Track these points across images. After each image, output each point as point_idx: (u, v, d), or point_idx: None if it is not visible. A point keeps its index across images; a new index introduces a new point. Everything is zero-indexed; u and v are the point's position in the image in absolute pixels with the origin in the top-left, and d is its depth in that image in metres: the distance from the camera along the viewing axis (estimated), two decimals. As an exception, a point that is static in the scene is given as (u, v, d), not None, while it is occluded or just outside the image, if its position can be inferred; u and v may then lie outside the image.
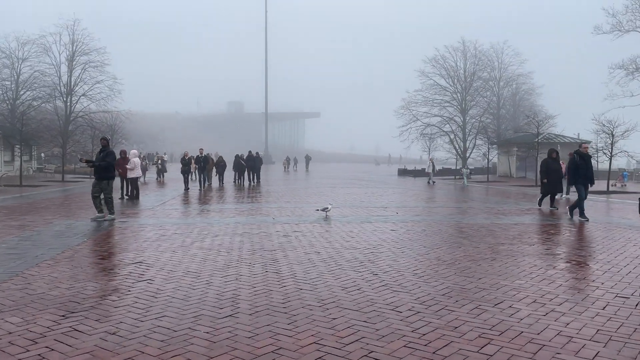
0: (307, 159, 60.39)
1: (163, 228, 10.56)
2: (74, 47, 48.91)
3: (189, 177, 20.31)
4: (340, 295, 5.42)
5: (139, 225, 11.00)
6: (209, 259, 7.33)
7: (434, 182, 31.39)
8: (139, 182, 18.14)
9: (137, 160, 17.77)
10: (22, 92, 49.49)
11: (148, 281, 6.00)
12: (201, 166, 21.29)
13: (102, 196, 11.87)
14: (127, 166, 17.30)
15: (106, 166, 11.96)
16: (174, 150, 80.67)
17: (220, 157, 25.47)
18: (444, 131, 50.09)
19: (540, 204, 15.46)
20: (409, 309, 4.97)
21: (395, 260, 7.35)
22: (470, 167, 48.54)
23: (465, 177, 31.42)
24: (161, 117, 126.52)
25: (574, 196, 16.84)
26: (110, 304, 5.08)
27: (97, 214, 11.77)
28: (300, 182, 30.32)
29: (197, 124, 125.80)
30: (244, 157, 25.90)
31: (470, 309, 4.98)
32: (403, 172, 46.23)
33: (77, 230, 10.09)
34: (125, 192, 17.51)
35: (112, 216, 11.93)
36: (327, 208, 12.75)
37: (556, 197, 19.43)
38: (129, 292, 5.50)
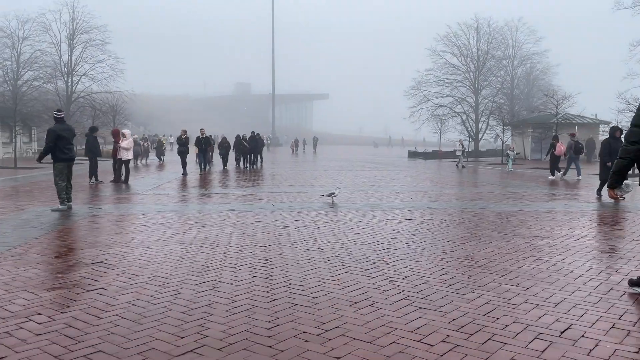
0: (315, 140, 58.91)
1: (145, 216, 9.22)
2: (74, 25, 47.50)
3: (186, 158, 18.89)
4: (348, 316, 4.03)
5: (119, 214, 9.67)
6: (186, 258, 5.97)
7: (463, 166, 27.59)
8: (130, 165, 16.80)
9: (131, 140, 16.38)
10: (23, 72, 48.15)
11: (98, 292, 4.65)
12: (202, 148, 19.91)
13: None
14: (122, 144, 15.91)
15: (46, 150, 10.04)
16: (177, 132, 79.30)
17: (224, 138, 24.00)
18: (455, 112, 48.35)
19: (599, 193, 12.65)
20: (444, 340, 3.57)
21: (416, 260, 5.95)
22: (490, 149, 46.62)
23: (510, 161, 25.37)
24: (168, 99, 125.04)
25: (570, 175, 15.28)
26: (29, 332, 3.72)
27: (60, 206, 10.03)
28: (307, 164, 28.90)
29: (204, 105, 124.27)
30: (247, 138, 24.36)
31: (528, 340, 3.58)
32: (413, 155, 44.60)
33: (45, 220, 8.77)
34: (116, 176, 16.13)
35: (61, 207, 9.90)
36: (334, 193, 11.35)
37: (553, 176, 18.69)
38: (65, 311, 4.14)
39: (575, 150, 19.04)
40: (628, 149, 3.95)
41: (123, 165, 15.98)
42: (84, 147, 17.51)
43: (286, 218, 9.07)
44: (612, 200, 10.08)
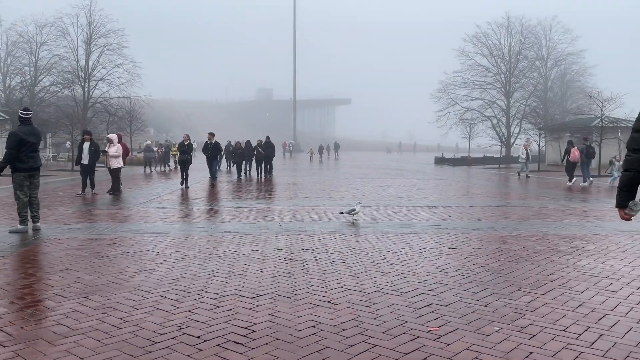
0: (336, 147, 57.04)
1: (115, 242, 7.28)
2: (92, 29, 46.49)
3: (189, 168, 16.33)
4: None
5: (86, 238, 7.73)
6: (128, 323, 3.96)
7: (527, 175, 23.62)
8: (122, 174, 14.97)
9: (119, 147, 14.51)
10: (41, 78, 47.39)
11: None
12: (209, 156, 18.19)
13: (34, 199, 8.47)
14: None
15: (8, 159, 8.18)
16: (202, 138, 78.38)
17: (238, 143, 22.14)
18: (485, 116, 45.72)
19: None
20: None
21: (480, 331, 3.82)
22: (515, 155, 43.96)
23: (615, 171, 19.33)
24: (190, 105, 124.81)
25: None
26: None
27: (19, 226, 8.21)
28: (327, 172, 26.84)
29: (226, 111, 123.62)
30: (262, 144, 21.71)
31: None
32: (440, 161, 42.19)
33: (-14, 247, 6.89)
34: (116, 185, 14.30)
35: (20, 227, 8.15)
36: (354, 210, 9.28)
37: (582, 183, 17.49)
38: None
39: (587, 154, 18.13)
40: (632, 159, 3.20)
41: (111, 175, 14.15)
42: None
43: (293, 245, 7.03)
44: None
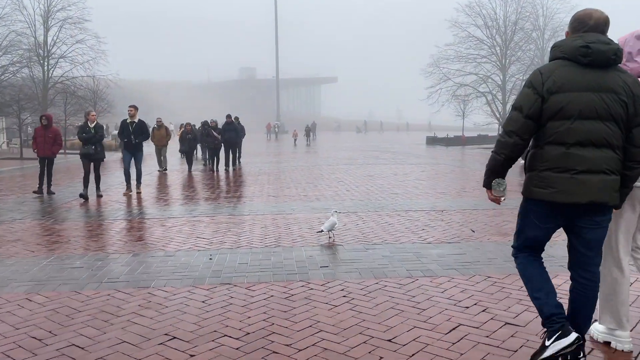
0: (312, 127, 45.05)
1: None
2: (49, 1, 42.37)
3: (98, 167, 10.62)
4: None
5: None
6: None
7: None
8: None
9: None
10: (-1, 57, 43.16)
11: None
12: (133, 142, 11.08)
13: None
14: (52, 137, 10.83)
15: None
16: (178, 119, 74.27)
17: (188, 125, 17.37)
18: (479, 92, 42.61)
19: None
20: None
21: None
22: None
23: None
24: (168, 85, 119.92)
25: None
26: None
27: None
28: (307, 157, 23.62)
29: (207, 91, 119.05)
30: (217, 126, 16.51)
31: None
32: (432, 141, 39.09)
33: None
34: (40, 184, 10.91)
35: None
36: (334, 223, 6.19)
37: None
38: None
39: None
40: (505, 143, 2.75)
41: (47, 166, 10.84)
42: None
43: (214, 308, 3.89)
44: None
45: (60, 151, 12.56)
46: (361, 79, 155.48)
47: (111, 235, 6.86)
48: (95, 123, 10.38)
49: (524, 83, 3.04)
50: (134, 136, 10.85)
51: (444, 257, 5.47)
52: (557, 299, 2.87)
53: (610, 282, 3.09)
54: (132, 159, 11.10)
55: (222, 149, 15.97)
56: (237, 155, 17.31)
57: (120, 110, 44.77)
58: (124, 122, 11.07)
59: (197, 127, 18.48)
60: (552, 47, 2.79)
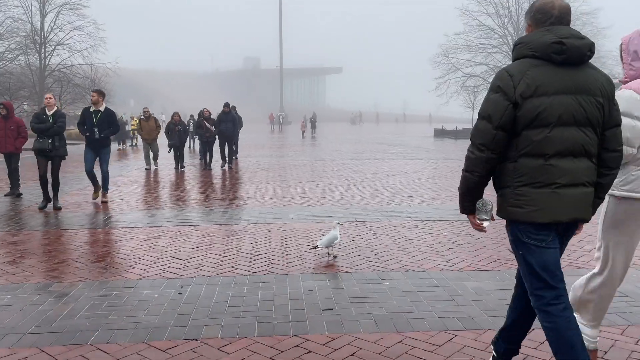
0: (313, 119, 40.61)
1: None
2: (46, -14, 41.08)
3: (57, 167, 8.85)
4: None
5: None
6: None
7: None
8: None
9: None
10: (-6, 43, 41.88)
11: None
12: (97, 138, 9.22)
13: None
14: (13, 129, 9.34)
15: None
16: (180, 110, 72.83)
17: (176, 114, 14.57)
18: (490, 83, 41.09)
19: None
20: None
21: None
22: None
23: None
24: (173, 75, 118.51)
25: None
26: None
27: None
28: (311, 150, 22.34)
29: (211, 81, 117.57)
30: (209, 116, 14.47)
31: None
32: (440, 133, 37.67)
33: None
34: (12, 185, 9.62)
35: None
36: (335, 238, 5.01)
37: None
38: None
39: None
40: (476, 159, 2.37)
41: (12, 164, 9.58)
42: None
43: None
44: None
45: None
46: (367, 70, 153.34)
47: (67, 253, 5.61)
48: (54, 110, 8.29)
49: (489, 87, 2.50)
50: (97, 129, 8.49)
51: (483, 294, 4.19)
52: None
53: (599, 286, 2.94)
54: (97, 158, 8.81)
55: (217, 142, 14.32)
56: (234, 149, 15.31)
57: (120, 99, 43.65)
58: (85, 110, 8.73)
59: (195, 118, 17.05)
60: (517, 44, 2.40)
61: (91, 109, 8.69)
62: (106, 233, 6.59)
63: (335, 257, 5.23)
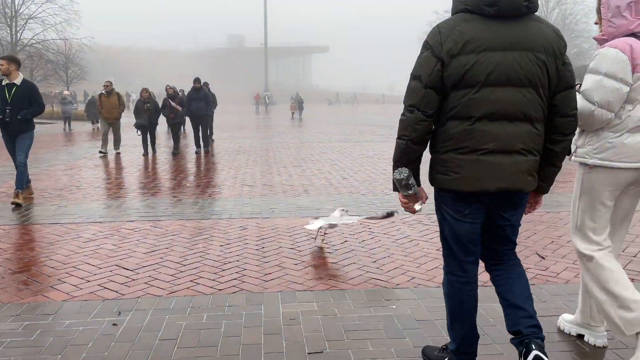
0: (299, 100, 35.76)
1: None
2: (15, -47, 38.87)
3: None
4: None
5: None
6: None
7: None
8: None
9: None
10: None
11: None
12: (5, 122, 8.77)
13: None
14: None
15: None
16: (161, 88, 70.73)
17: (145, 90, 12.43)
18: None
19: None
20: None
21: None
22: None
23: None
24: (154, 53, 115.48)
25: None
26: None
27: None
28: (296, 133, 21.18)
29: (194, 60, 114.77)
30: (177, 93, 13.15)
31: None
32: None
33: None
34: None
35: None
36: (326, 223, 4.50)
37: None
38: None
39: None
40: (407, 120, 2.18)
41: None
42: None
43: None
44: None
45: None
46: (354, 49, 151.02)
47: (-13, 259, 4.44)
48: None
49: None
50: (10, 109, 6.38)
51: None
52: None
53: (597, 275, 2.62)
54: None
55: (190, 123, 12.77)
56: (209, 132, 13.33)
57: (95, 77, 41.83)
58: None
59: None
60: None
61: (3, 83, 6.52)
62: (42, 231, 5.40)
63: (323, 239, 4.23)
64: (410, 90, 2.18)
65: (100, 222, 5.71)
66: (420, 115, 2.14)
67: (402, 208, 2.36)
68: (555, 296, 3.59)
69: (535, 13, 2.15)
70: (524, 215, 2.35)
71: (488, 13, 2.06)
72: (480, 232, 2.30)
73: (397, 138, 2.24)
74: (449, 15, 2.29)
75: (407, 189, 2.23)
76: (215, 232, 5.30)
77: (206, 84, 13.61)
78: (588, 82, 2.49)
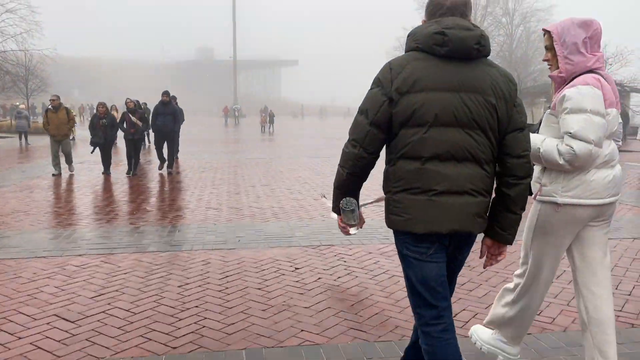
0: (271, 114, 35.53)
1: None
2: (-27, -38, 37.45)
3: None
4: None
5: None
6: None
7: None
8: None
9: None
10: None
11: None
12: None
13: None
14: None
15: None
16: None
17: (101, 105, 11.32)
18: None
19: None
20: None
21: None
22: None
23: None
24: (122, 66, 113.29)
25: None
26: None
27: None
28: (266, 148, 20.69)
29: (162, 72, 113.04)
30: (139, 107, 12.60)
31: None
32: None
33: None
34: None
35: None
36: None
37: None
38: None
39: None
40: (348, 154, 2.17)
41: None
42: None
43: None
44: None
45: None
46: (324, 63, 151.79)
47: None
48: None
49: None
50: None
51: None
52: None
53: (523, 300, 2.70)
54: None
55: (151, 141, 11.84)
56: (174, 149, 12.22)
57: (59, 89, 40.59)
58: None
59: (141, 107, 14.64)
60: (407, 36, 2.18)
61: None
62: (-23, 270, 4.76)
63: (324, 196, 3.90)
64: (356, 123, 2.14)
65: (44, 257, 5.09)
66: (362, 152, 2.12)
67: (343, 232, 2.36)
68: (555, 349, 3.19)
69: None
70: (488, 265, 2.29)
71: (439, 53, 2.05)
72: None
73: (339, 165, 2.20)
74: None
75: (352, 220, 2.23)
76: (174, 268, 4.76)
77: (174, 97, 12.91)
78: (576, 122, 2.35)
